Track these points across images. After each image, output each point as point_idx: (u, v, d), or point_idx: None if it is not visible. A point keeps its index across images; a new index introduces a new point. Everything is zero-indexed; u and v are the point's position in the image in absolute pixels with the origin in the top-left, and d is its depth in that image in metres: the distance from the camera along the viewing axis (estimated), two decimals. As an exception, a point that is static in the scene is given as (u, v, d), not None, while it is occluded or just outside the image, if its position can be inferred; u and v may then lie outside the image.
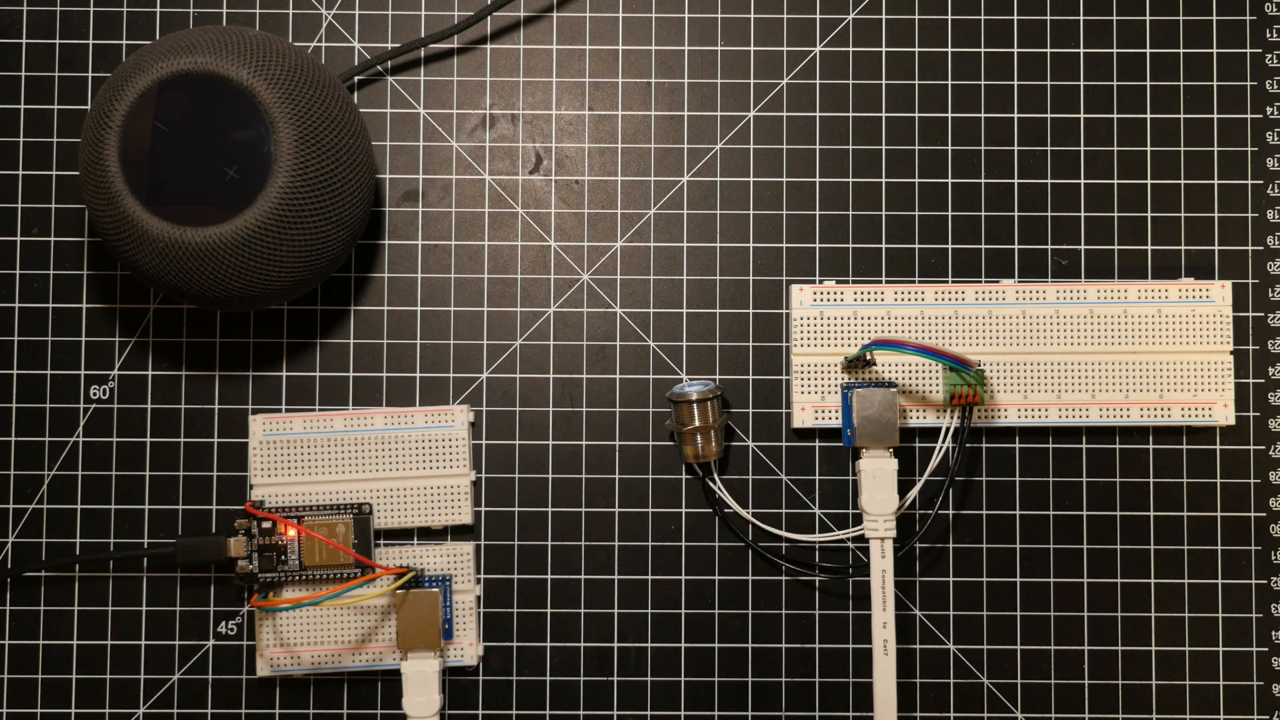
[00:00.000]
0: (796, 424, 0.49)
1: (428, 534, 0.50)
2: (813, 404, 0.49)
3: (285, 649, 0.49)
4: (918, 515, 0.50)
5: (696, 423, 0.48)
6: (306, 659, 0.49)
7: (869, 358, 0.48)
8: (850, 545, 0.50)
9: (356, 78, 0.51)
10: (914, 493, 0.49)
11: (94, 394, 0.50)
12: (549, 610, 0.50)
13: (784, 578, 0.50)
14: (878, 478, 0.48)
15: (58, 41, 0.51)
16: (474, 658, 0.49)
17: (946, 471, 0.48)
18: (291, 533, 0.48)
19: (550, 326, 0.51)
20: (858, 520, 0.50)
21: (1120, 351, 0.49)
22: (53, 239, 0.51)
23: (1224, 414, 0.49)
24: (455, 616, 0.49)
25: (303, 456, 0.49)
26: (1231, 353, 0.49)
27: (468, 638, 0.49)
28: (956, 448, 0.48)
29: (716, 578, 0.50)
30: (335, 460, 0.49)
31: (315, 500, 0.49)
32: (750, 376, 0.51)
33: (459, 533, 0.50)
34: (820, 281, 0.50)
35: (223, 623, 0.50)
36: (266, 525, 0.48)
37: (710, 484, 0.49)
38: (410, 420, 0.49)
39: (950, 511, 0.50)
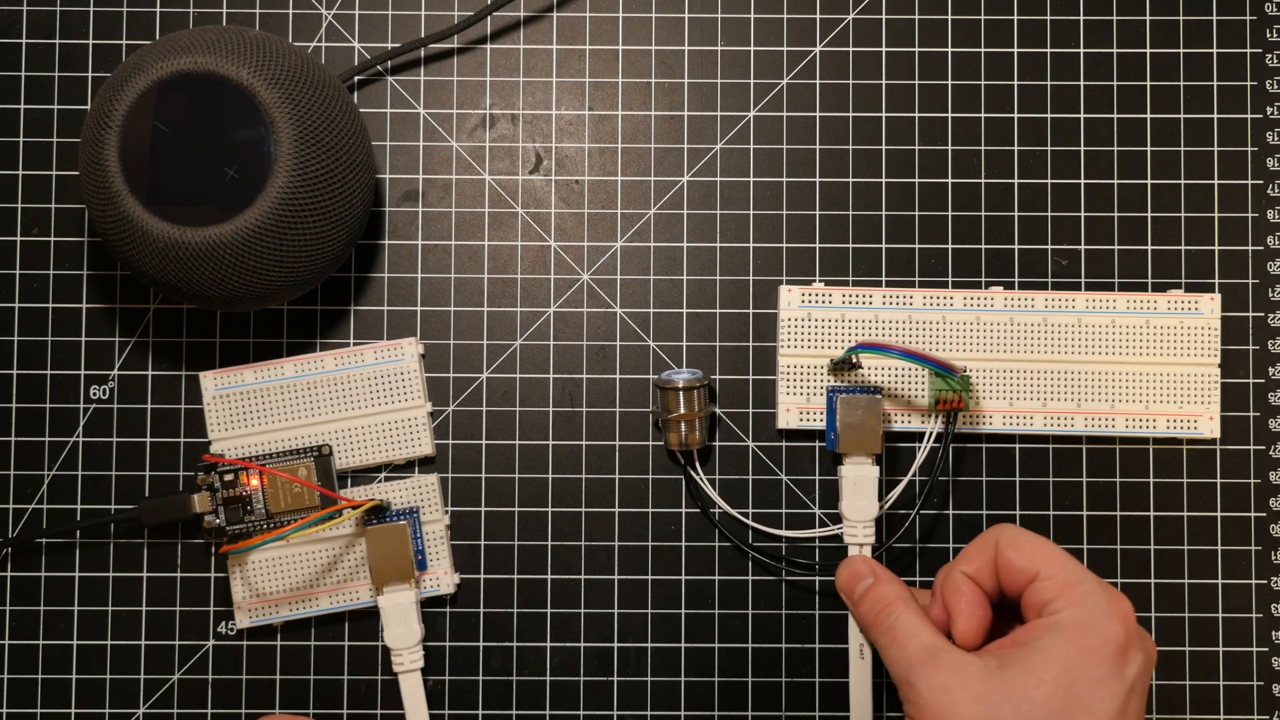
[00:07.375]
0: (780, 425, 0.49)
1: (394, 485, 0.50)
2: (797, 405, 0.49)
3: (260, 599, 0.49)
4: (916, 514, 0.50)
5: (682, 410, 0.48)
6: (284, 608, 0.49)
7: (855, 360, 0.48)
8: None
9: (356, 78, 0.51)
10: (896, 493, 0.49)
11: (94, 394, 0.50)
12: (549, 610, 0.50)
13: (784, 578, 0.50)
14: (859, 484, 0.48)
15: (58, 41, 0.51)
16: (450, 585, 0.49)
17: (930, 474, 0.48)
18: (254, 481, 0.48)
19: (550, 326, 0.51)
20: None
21: (1109, 361, 0.49)
22: (53, 239, 0.51)
23: (1209, 426, 0.49)
24: (427, 547, 0.49)
25: (258, 407, 0.49)
26: (1219, 365, 0.49)
27: (442, 566, 0.49)
28: (941, 450, 0.48)
29: (716, 578, 0.50)
30: (291, 407, 0.49)
31: (275, 448, 0.49)
32: (750, 376, 0.51)
33: (425, 468, 0.50)
34: (813, 282, 0.50)
35: (223, 623, 0.50)
36: (229, 477, 0.48)
37: (693, 473, 0.49)
38: (360, 359, 0.49)
39: (950, 512, 0.50)
